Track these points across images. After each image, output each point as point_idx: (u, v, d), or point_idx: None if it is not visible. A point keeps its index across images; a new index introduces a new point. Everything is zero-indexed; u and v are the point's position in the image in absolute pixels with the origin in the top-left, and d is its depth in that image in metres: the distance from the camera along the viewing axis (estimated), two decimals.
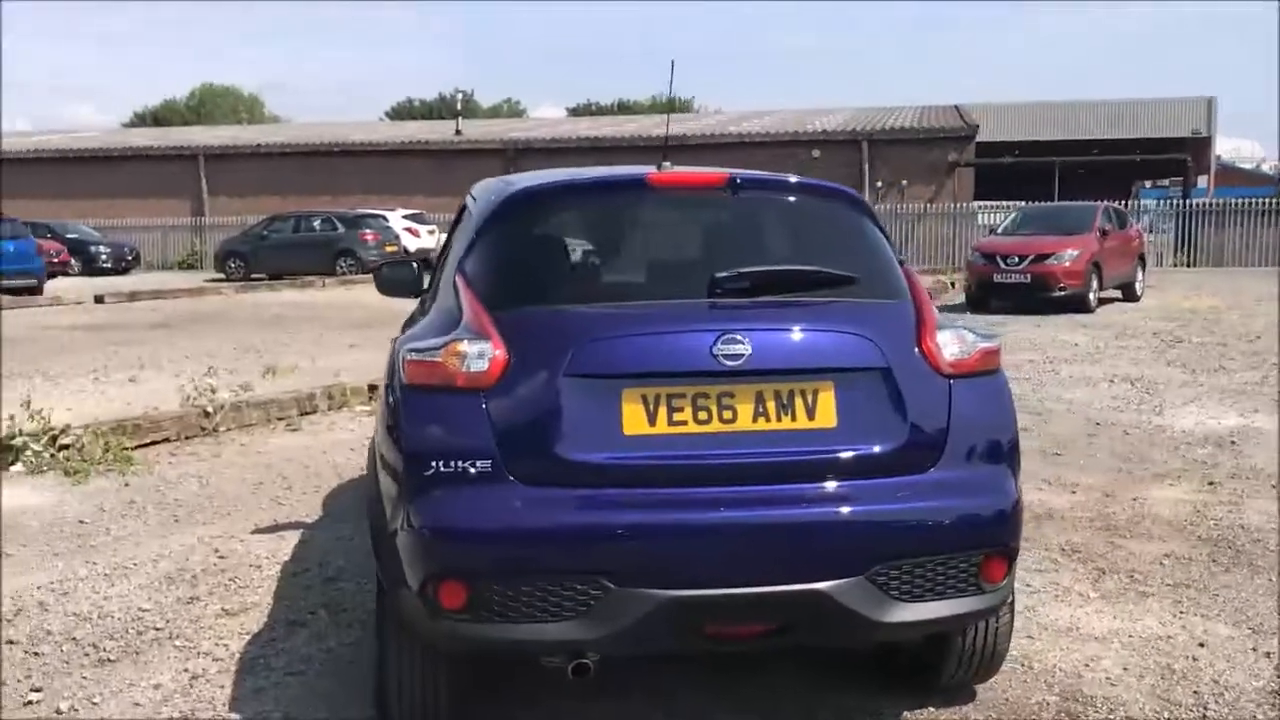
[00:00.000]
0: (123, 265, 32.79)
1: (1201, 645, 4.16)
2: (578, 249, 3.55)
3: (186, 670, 3.97)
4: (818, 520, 3.04)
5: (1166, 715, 3.61)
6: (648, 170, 3.59)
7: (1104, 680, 3.86)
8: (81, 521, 5.99)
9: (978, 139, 35.01)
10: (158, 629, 4.37)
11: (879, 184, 34.11)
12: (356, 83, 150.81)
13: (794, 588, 3.00)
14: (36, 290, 22.74)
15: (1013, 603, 3.59)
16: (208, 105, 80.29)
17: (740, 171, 3.61)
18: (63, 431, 7.54)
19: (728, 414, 3.06)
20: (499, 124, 51.42)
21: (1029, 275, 17.29)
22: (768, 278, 3.33)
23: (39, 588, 4.88)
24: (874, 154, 34.23)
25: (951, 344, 3.27)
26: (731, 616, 3.06)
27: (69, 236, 32.03)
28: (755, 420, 3.07)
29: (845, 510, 3.07)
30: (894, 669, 3.83)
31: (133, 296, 22.38)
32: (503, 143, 37.31)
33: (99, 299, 21.81)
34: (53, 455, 7.33)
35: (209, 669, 3.98)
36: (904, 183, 34.01)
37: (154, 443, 8.00)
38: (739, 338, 3.07)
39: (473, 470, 3.02)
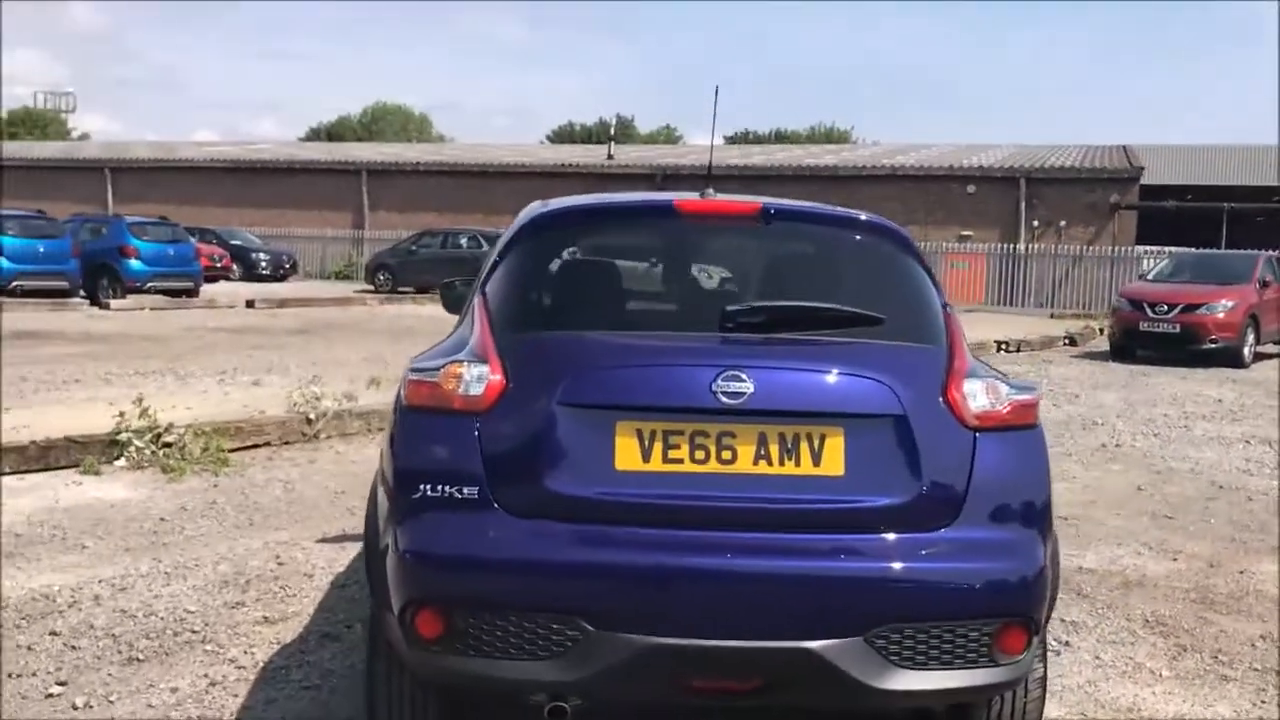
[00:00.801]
0: (280, 273, 34.07)
1: None
2: (596, 275, 3.45)
3: (207, 676, 3.99)
4: (813, 574, 2.85)
5: None
6: (676, 196, 3.47)
7: None
8: (162, 519, 6.15)
9: (1146, 181, 33.64)
10: (194, 631, 4.41)
11: (1035, 223, 33.09)
12: (524, 106, 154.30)
13: (783, 644, 2.82)
14: (193, 293, 23.79)
15: (1044, 677, 3.32)
16: (379, 123, 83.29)
17: (776, 201, 3.45)
18: (166, 430, 7.79)
19: (727, 454, 2.91)
20: (652, 149, 51.86)
21: (1178, 325, 16.45)
22: (783, 314, 3.16)
23: (100, 581, 5.00)
24: (1032, 192, 33.21)
25: (980, 395, 3.05)
26: (715, 669, 2.89)
27: (233, 243, 33.48)
28: (756, 463, 2.91)
29: (845, 565, 2.87)
30: None
31: (282, 303, 23.23)
32: (652, 168, 37.55)
33: (250, 304, 22.71)
34: (153, 453, 7.57)
35: (229, 676, 3.99)
36: (1062, 223, 32.92)
37: (254, 446, 8.20)
38: (741, 375, 2.91)
39: (459, 496, 2.94)
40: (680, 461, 2.89)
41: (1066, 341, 19.99)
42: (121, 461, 7.49)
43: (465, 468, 2.94)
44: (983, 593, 2.89)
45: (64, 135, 74.51)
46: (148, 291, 22.65)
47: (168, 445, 7.69)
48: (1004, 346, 18.04)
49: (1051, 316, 26.99)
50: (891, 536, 2.91)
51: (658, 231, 3.52)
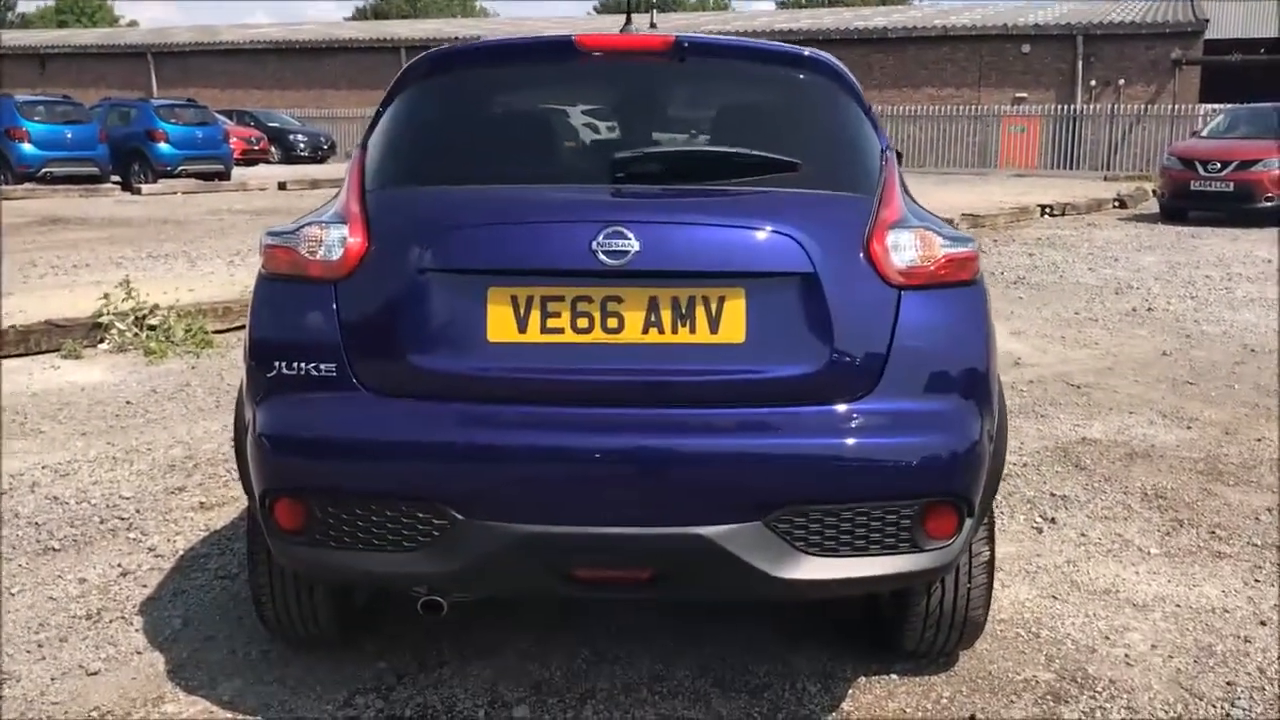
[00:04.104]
0: (319, 154, 33.73)
1: (1263, 624, 3.45)
2: (481, 124, 3.07)
3: (120, 566, 3.79)
4: (706, 452, 2.53)
5: (1177, 713, 2.96)
6: (581, 33, 3.07)
7: (1120, 659, 3.22)
8: (128, 402, 5.97)
9: (1211, 35, 31.96)
10: (121, 519, 4.22)
11: (1093, 83, 31.72)
12: None
13: (672, 530, 2.52)
14: (224, 175, 23.54)
15: (990, 560, 2.99)
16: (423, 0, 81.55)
17: (692, 35, 3.03)
18: (150, 312, 7.60)
19: (613, 322, 2.56)
20: (704, 16, 50.32)
21: (1231, 183, 15.61)
22: (681, 161, 2.79)
23: (44, 468, 4.82)
24: (1089, 50, 31.74)
25: (906, 247, 2.66)
26: (599, 559, 2.60)
27: (270, 125, 33.12)
28: (646, 331, 2.56)
29: (742, 442, 2.55)
30: (853, 627, 3.31)
31: (313, 184, 22.92)
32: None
33: (282, 186, 22.45)
34: (136, 335, 7.39)
35: (143, 565, 3.80)
36: (1121, 82, 31.51)
37: (242, 327, 7.97)
38: (625, 231, 2.55)
39: (316, 373, 2.64)
40: (560, 331, 2.56)
41: (1116, 204, 19.17)
42: (105, 345, 7.33)
43: (322, 341, 2.65)
44: (901, 470, 2.56)
45: (111, 22, 74.03)
46: (178, 175, 22.46)
47: (152, 328, 7.51)
48: (1048, 210, 17.33)
49: (1105, 179, 25.98)
50: (797, 410, 2.57)
51: (556, 73, 3.12)
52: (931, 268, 2.66)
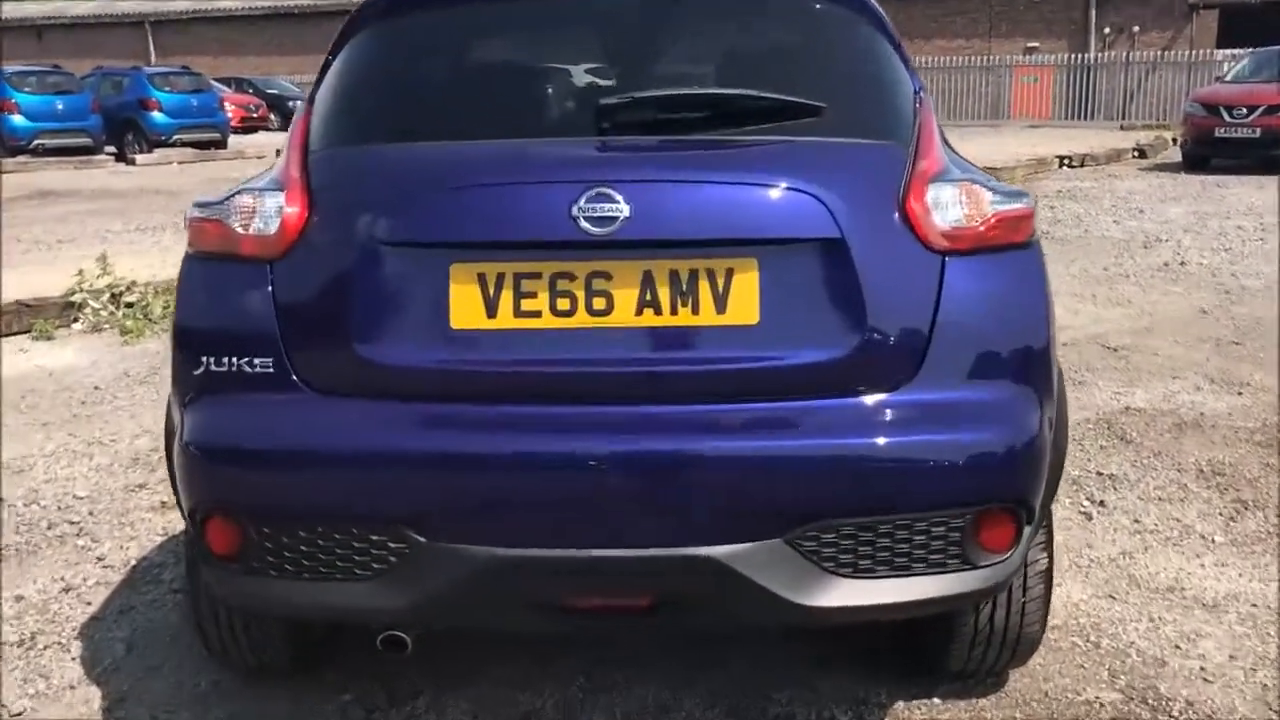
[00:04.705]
0: None
1: None
2: (445, 69, 2.61)
3: (63, 580, 3.39)
4: (714, 457, 2.11)
5: None
6: None
7: (1195, 674, 2.81)
8: (97, 388, 5.57)
9: None
10: (72, 523, 3.82)
11: (1106, 30, 30.93)
12: None
13: (676, 551, 2.10)
14: (220, 144, 22.97)
15: (1048, 569, 2.57)
16: None
17: None
18: (127, 289, 7.20)
19: (600, 302, 2.13)
20: None
21: (1258, 129, 14.97)
22: (679, 105, 2.33)
23: None
24: None
25: (950, 204, 2.22)
26: (589, 586, 2.19)
27: (269, 92, 32.55)
28: (640, 313, 2.13)
29: (759, 445, 2.12)
30: (888, 646, 2.89)
31: None
32: None
33: (279, 153, 21.91)
34: (112, 314, 6.99)
35: (89, 579, 3.40)
36: (1135, 29, 30.70)
37: None
38: (612, 193, 2.11)
39: (249, 370, 2.23)
40: (538, 315, 2.14)
41: (1135, 154, 18.57)
42: (79, 325, 6.93)
43: (256, 332, 2.23)
44: (950, 474, 2.13)
45: None
46: (174, 145, 21.95)
47: (129, 305, 7.10)
48: (1066, 161, 16.77)
49: (1121, 129, 25.32)
50: (823, 404, 2.14)
51: (532, 10, 2.66)
52: (980, 228, 2.22)
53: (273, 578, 2.20)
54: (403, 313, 2.17)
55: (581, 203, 2.10)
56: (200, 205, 2.36)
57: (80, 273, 7.18)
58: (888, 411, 2.15)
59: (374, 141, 2.42)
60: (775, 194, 2.17)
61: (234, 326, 2.24)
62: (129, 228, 11.44)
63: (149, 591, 3.31)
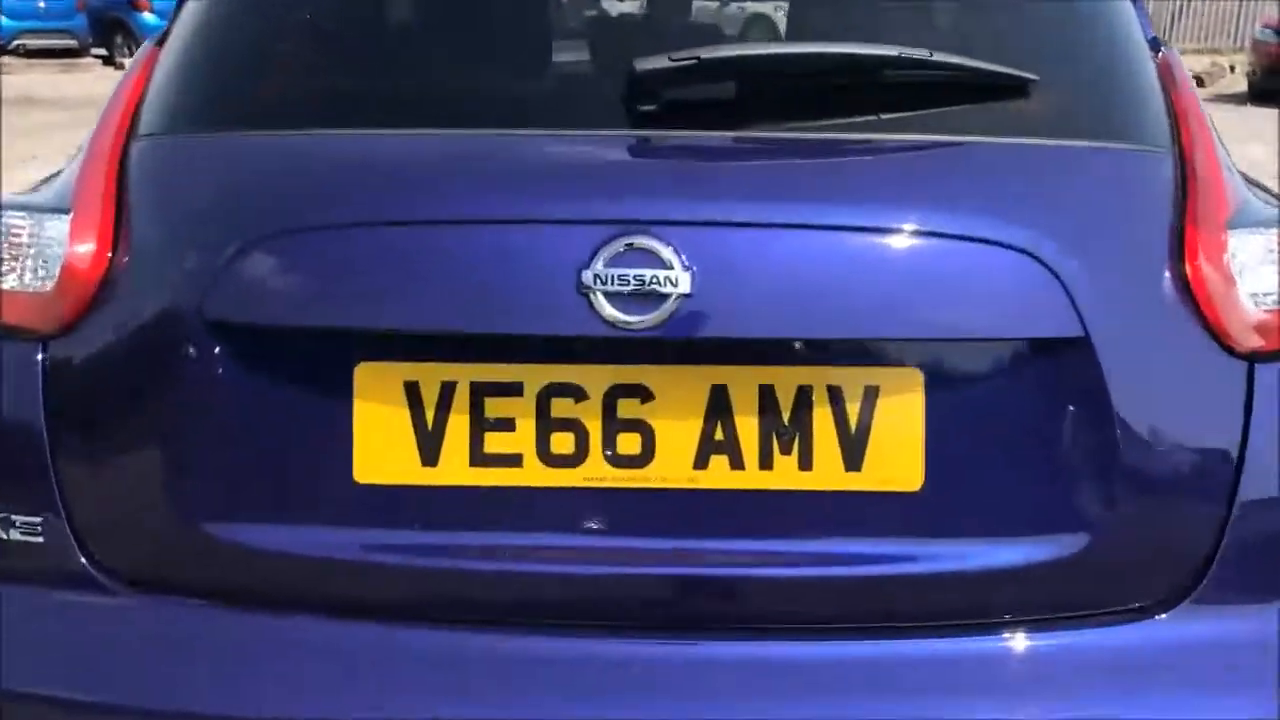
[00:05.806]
0: None
1: None
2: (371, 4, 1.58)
3: None
4: None
5: None
6: None
7: None
8: None
9: None
10: None
11: None
12: None
13: None
14: (80, 52, 20.82)
15: None
16: None
17: None
18: None
19: (630, 443, 1.16)
20: None
21: None
22: (785, 73, 1.32)
23: None
24: None
25: (1264, 267, 1.23)
26: None
27: None
28: (703, 464, 1.16)
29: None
30: None
31: None
32: None
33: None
34: None
35: None
36: None
37: None
38: (656, 247, 1.12)
39: (7, 537, 1.26)
40: (515, 461, 1.17)
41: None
42: None
43: (16, 470, 1.25)
44: None
45: None
46: None
47: None
48: None
49: None
50: (1033, 644, 1.18)
51: None
52: None
53: None
54: (272, 451, 1.20)
55: (599, 266, 1.11)
56: None
57: None
58: (1145, 661, 1.18)
59: (246, 125, 1.41)
60: (961, 248, 1.17)
61: None
62: None
63: None
